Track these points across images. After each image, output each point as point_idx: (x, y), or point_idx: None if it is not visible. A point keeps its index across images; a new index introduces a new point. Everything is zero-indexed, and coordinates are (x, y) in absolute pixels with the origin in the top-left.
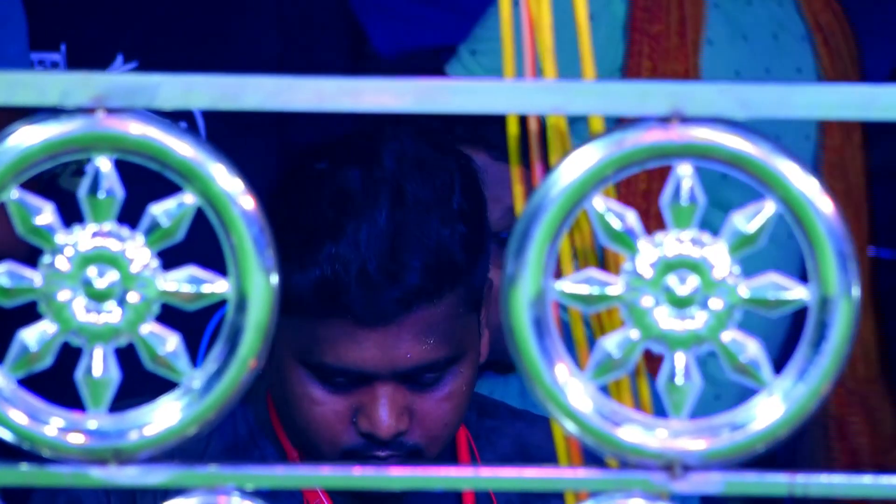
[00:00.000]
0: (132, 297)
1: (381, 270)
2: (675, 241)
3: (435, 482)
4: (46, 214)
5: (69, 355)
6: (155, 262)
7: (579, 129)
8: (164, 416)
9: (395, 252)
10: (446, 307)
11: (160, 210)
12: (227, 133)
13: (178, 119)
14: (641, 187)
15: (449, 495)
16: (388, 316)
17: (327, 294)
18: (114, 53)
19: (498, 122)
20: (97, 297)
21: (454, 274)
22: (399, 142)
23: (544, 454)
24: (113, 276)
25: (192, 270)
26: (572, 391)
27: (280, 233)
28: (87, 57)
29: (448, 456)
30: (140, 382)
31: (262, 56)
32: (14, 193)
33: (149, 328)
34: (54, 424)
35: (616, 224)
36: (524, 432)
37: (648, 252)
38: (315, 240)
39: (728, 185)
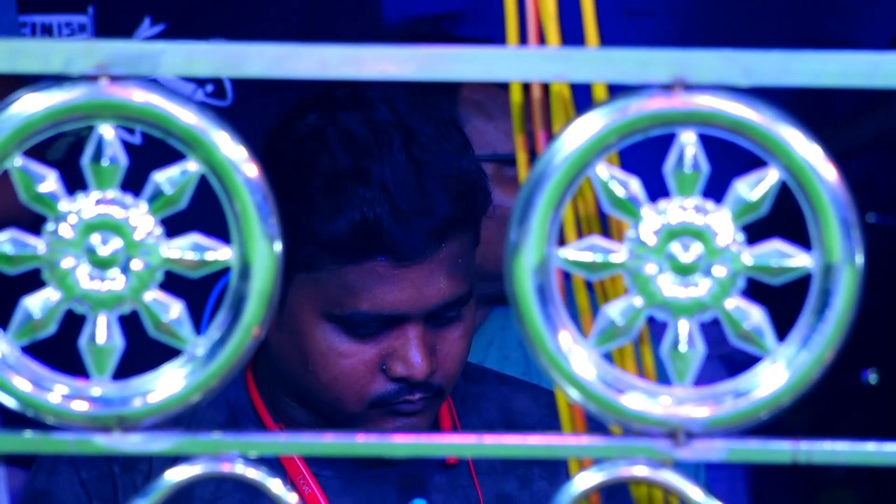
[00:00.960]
0: (136, 265)
1: (413, 205)
2: (679, 209)
3: (438, 449)
4: (50, 182)
5: (73, 323)
6: (158, 230)
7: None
8: (167, 384)
9: (422, 186)
10: (469, 239)
11: (163, 177)
12: (252, 90)
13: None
14: None
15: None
16: (425, 250)
17: (364, 236)
18: (141, 16)
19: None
20: (101, 264)
21: (481, 198)
22: (378, 89)
23: (528, 420)
24: (116, 243)
25: (195, 238)
26: (576, 358)
27: (293, 188)
28: (115, 19)
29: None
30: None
31: (289, 24)
32: (17, 161)
33: (152, 295)
34: (58, 391)
35: (619, 191)
36: (509, 398)
37: (652, 219)
38: (341, 186)
39: None
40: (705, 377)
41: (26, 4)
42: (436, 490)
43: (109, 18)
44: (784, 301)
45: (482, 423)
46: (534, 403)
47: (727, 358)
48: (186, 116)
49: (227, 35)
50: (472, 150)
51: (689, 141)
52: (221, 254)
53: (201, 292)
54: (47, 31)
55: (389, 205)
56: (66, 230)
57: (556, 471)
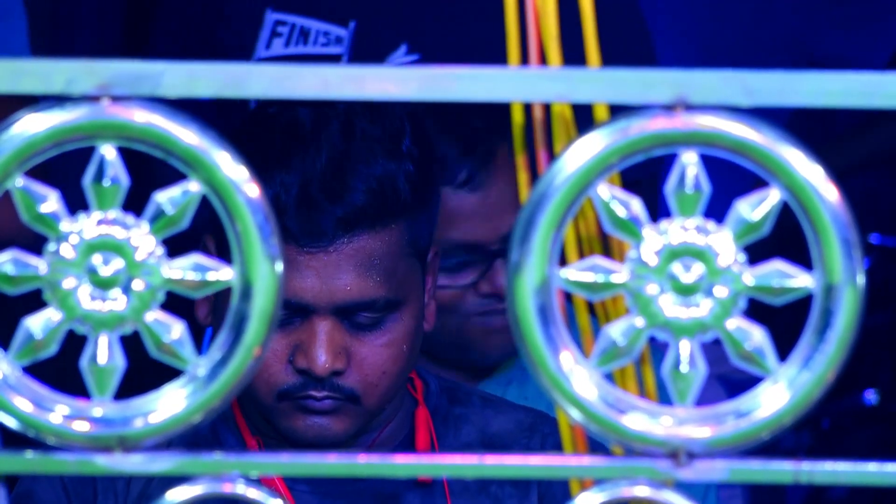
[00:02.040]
0: (137, 285)
1: (323, 189)
2: (680, 229)
3: (439, 469)
4: (51, 202)
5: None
6: (160, 250)
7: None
8: (169, 404)
9: (338, 175)
10: (388, 242)
11: (165, 198)
12: None
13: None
14: None
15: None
16: (329, 237)
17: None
18: (398, 42)
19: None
20: (102, 284)
21: (397, 204)
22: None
23: (504, 441)
24: (118, 263)
25: (196, 258)
26: (577, 379)
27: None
28: (373, 39)
29: (407, 438)
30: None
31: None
32: (19, 181)
33: (154, 316)
34: (59, 412)
35: (621, 212)
36: (489, 420)
37: (653, 240)
38: (264, 170)
39: None
40: (703, 396)
41: (287, 2)
42: None
43: (368, 37)
44: (783, 321)
45: (459, 443)
46: (514, 426)
47: (724, 378)
48: (188, 137)
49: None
50: (422, 163)
51: (690, 161)
52: (223, 274)
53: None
54: (304, 34)
55: (301, 189)
56: (67, 250)
57: (526, 491)
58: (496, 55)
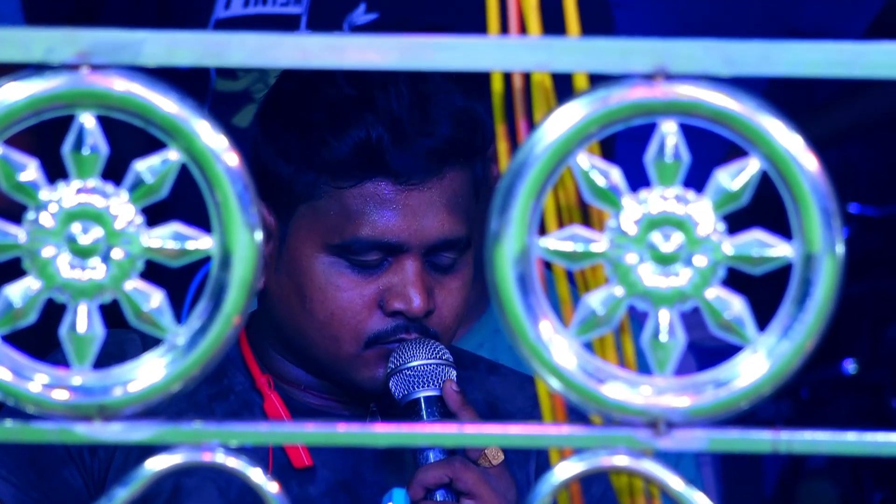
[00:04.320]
0: (116, 254)
1: (415, 126)
2: (660, 199)
3: (419, 438)
4: (31, 171)
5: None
6: (139, 219)
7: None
8: (148, 373)
9: (425, 111)
10: (469, 181)
11: (144, 166)
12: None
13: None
14: None
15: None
16: (425, 172)
17: (365, 157)
18: (357, 1)
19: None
20: (81, 253)
21: (481, 137)
22: None
23: (510, 408)
24: (97, 232)
25: (176, 227)
26: (556, 348)
27: (298, 120)
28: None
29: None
30: None
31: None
32: None
33: (133, 284)
34: (38, 381)
35: (600, 181)
36: (495, 385)
37: (633, 209)
38: (345, 111)
39: None
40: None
41: None
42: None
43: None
44: (762, 292)
45: None
46: (519, 393)
47: (697, 345)
48: (167, 105)
49: (442, 30)
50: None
51: (670, 131)
52: (202, 243)
53: (182, 282)
54: None
55: (392, 126)
56: (46, 219)
57: (526, 459)
58: (453, 13)
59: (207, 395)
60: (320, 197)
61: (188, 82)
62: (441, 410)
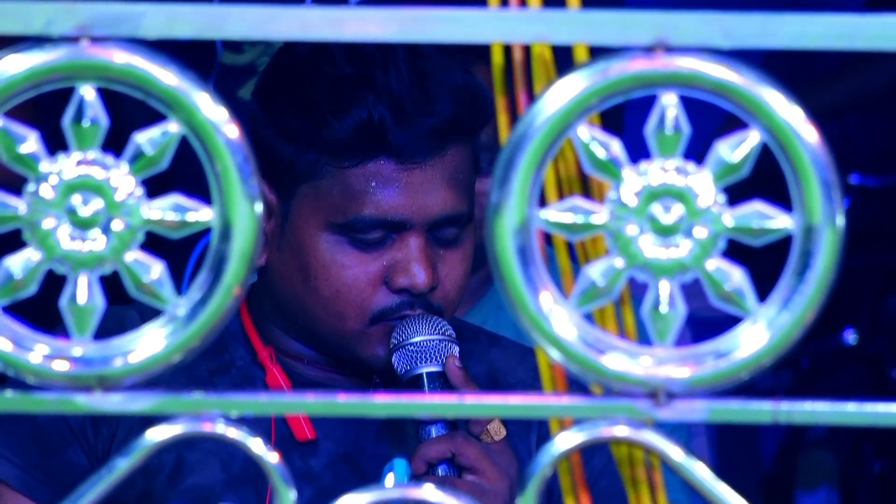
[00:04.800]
0: (116, 225)
1: (416, 105)
2: (660, 170)
3: (419, 408)
4: (31, 142)
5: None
6: (140, 190)
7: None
8: (148, 344)
9: (425, 89)
10: (468, 158)
11: (144, 138)
12: None
13: None
14: None
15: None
16: (427, 151)
17: (367, 136)
18: None
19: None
20: (82, 224)
21: (481, 113)
22: None
23: (510, 379)
24: (97, 203)
25: (176, 198)
26: (557, 319)
27: (298, 98)
28: None
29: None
30: None
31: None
32: None
33: (133, 256)
34: (39, 351)
35: (601, 153)
36: (497, 357)
37: (633, 180)
38: (345, 90)
39: None
40: None
41: None
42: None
43: None
44: (762, 263)
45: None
46: (520, 365)
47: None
48: (167, 77)
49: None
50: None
51: (670, 102)
52: (202, 214)
53: (182, 253)
54: None
55: (393, 105)
56: (46, 191)
57: (527, 431)
58: None
59: (208, 370)
60: (322, 177)
61: (195, 55)
62: (443, 386)
